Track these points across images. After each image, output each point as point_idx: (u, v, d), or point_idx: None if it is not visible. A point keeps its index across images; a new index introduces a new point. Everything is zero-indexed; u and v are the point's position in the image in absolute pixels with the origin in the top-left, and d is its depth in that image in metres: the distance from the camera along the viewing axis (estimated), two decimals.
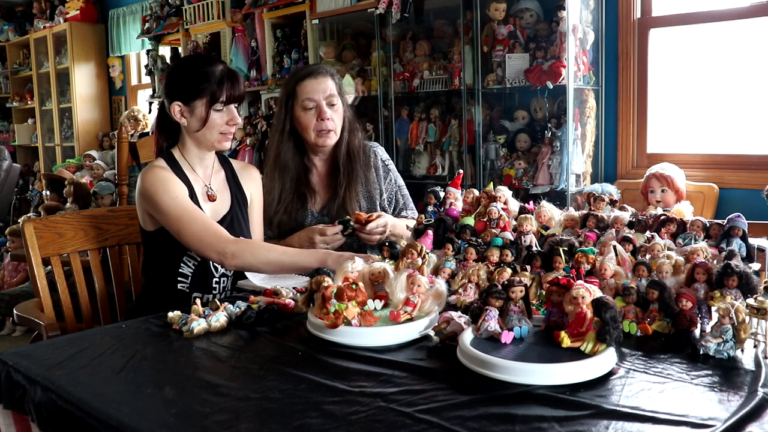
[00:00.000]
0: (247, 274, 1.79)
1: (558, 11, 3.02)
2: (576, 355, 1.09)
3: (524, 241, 1.59)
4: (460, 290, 1.47)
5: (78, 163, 6.29)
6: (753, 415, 0.92)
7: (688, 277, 1.28)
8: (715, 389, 1.01)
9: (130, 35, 6.39)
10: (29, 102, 7.66)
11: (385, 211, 2.12)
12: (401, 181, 2.24)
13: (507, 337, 1.17)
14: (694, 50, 3.13)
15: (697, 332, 1.23)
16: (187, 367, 1.19)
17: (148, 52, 5.88)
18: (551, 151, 3.14)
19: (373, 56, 3.84)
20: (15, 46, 7.90)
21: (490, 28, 3.25)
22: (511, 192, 1.78)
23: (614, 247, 1.44)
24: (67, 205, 4.47)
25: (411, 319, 1.29)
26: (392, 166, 2.23)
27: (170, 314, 1.43)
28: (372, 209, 2.10)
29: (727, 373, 1.07)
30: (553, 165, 3.12)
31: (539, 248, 1.53)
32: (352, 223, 1.92)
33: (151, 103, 5.84)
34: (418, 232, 1.72)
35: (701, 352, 1.14)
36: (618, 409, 0.95)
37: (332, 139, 2.04)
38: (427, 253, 1.55)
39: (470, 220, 1.69)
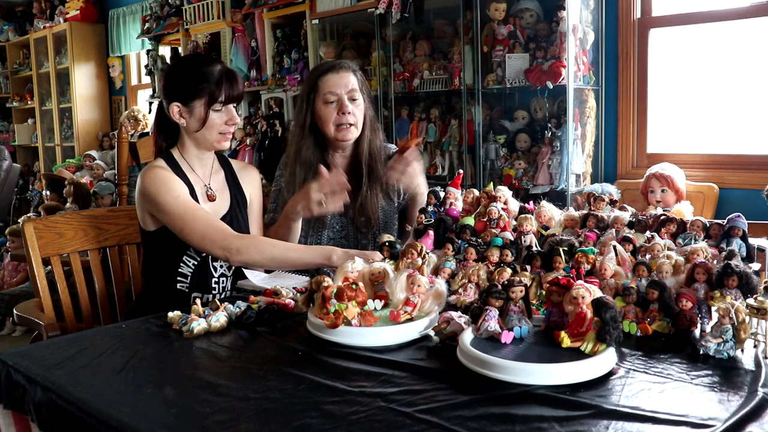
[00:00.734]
0: (247, 273, 1.79)
1: (558, 11, 3.02)
2: (576, 355, 1.09)
3: (524, 241, 1.59)
4: (460, 290, 1.47)
5: (78, 163, 6.29)
6: (753, 415, 0.92)
7: (688, 277, 1.28)
8: (715, 389, 1.01)
9: (130, 35, 6.39)
10: (29, 102, 7.66)
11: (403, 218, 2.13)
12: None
13: (507, 337, 1.17)
14: (694, 50, 3.13)
15: (697, 332, 1.23)
16: (187, 367, 1.19)
17: (148, 52, 5.88)
18: (551, 151, 3.14)
19: (373, 56, 3.84)
20: (15, 46, 7.90)
21: (490, 28, 3.25)
22: (511, 192, 1.78)
23: (614, 247, 1.44)
24: (67, 205, 4.47)
25: (411, 319, 1.29)
26: None
27: (170, 314, 1.43)
28: (390, 210, 2.10)
29: (727, 373, 1.07)
30: (553, 165, 3.12)
31: (539, 248, 1.53)
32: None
33: (151, 103, 5.84)
34: (418, 232, 1.72)
35: (701, 352, 1.14)
36: (618, 409, 0.95)
37: (353, 134, 2.03)
38: (427, 253, 1.55)
39: (470, 220, 1.69)
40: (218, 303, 1.44)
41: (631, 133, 3.19)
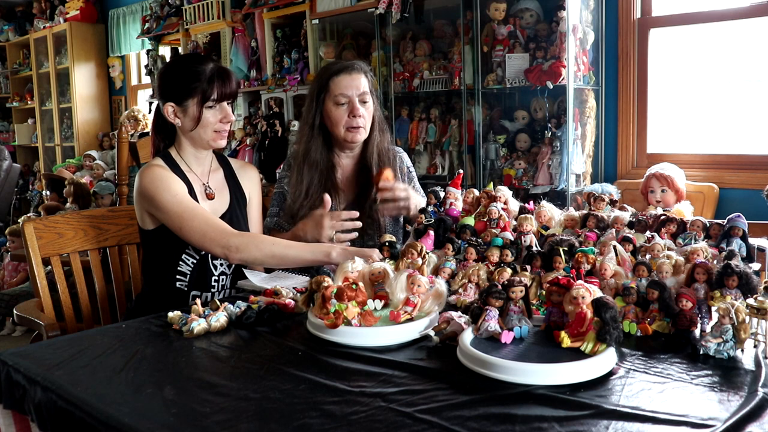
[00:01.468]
0: (247, 273, 1.79)
1: (558, 11, 3.02)
2: (576, 355, 1.09)
3: (524, 241, 1.59)
4: (460, 290, 1.47)
5: (78, 163, 6.30)
6: (753, 415, 0.92)
7: (688, 277, 1.28)
8: (715, 389, 1.01)
9: (130, 35, 6.39)
10: (29, 102, 7.66)
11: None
12: (422, 191, 2.23)
13: (507, 337, 1.17)
14: (694, 50, 3.13)
15: (697, 332, 1.23)
16: (187, 367, 1.19)
17: (148, 52, 5.88)
18: (551, 151, 3.14)
19: (373, 56, 3.84)
20: (15, 46, 7.90)
21: (490, 28, 3.25)
22: (511, 192, 1.78)
23: (614, 247, 1.44)
24: (67, 205, 4.47)
25: (411, 319, 1.29)
26: (414, 174, 2.23)
27: (170, 314, 1.43)
28: (408, 208, 2.09)
29: (727, 373, 1.07)
30: (553, 165, 3.12)
31: (539, 248, 1.53)
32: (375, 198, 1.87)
33: (151, 103, 5.84)
34: (418, 232, 1.72)
35: (701, 352, 1.14)
36: (618, 409, 0.95)
37: (362, 136, 2.03)
38: (427, 253, 1.55)
39: (470, 220, 1.69)
40: (218, 303, 1.44)
41: (631, 133, 3.19)
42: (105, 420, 0.99)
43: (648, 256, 1.42)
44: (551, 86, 3.03)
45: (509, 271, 1.42)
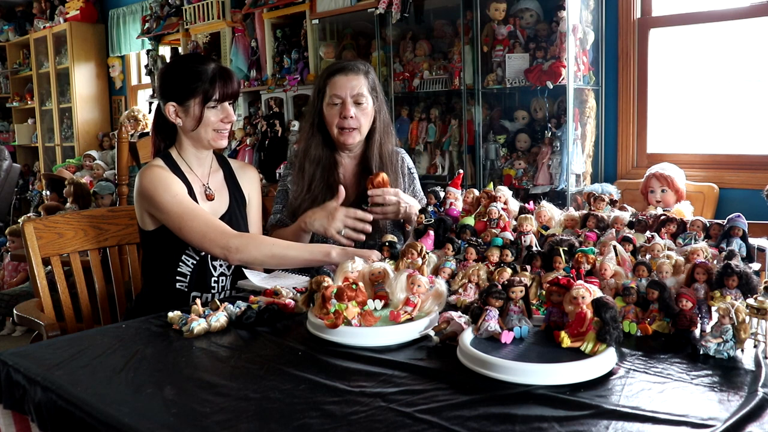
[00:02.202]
0: (247, 273, 1.79)
1: (558, 11, 3.02)
2: (576, 355, 1.09)
3: (524, 241, 1.59)
4: (460, 290, 1.47)
5: (78, 163, 6.30)
6: (753, 415, 0.92)
7: (688, 277, 1.28)
8: (715, 389, 1.01)
9: (130, 35, 6.39)
10: (29, 102, 7.66)
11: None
12: (422, 193, 2.23)
13: (507, 337, 1.17)
14: (694, 50, 3.13)
15: (697, 332, 1.23)
16: (187, 367, 1.19)
17: (148, 52, 5.88)
18: (551, 151, 3.14)
19: (373, 56, 3.84)
20: (15, 46, 7.90)
21: (490, 28, 3.25)
22: (511, 192, 1.78)
23: (614, 247, 1.44)
24: (67, 205, 4.47)
25: (411, 319, 1.29)
26: (416, 175, 2.23)
27: (170, 314, 1.43)
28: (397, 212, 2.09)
29: (727, 373, 1.07)
30: (553, 165, 3.12)
31: (539, 248, 1.53)
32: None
33: (151, 103, 5.84)
34: (418, 232, 1.72)
35: (701, 352, 1.14)
36: (618, 409, 0.95)
37: (354, 138, 2.02)
38: (427, 253, 1.55)
39: (470, 220, 1.69)
40: (218, 303, 1.44)
41: (631, 133, 3.19)
42: (105, 420, 0.99)
43: (648, 256, 1.42)
44: (551, 86, 3.03)
45: (509, 271, 1.42)
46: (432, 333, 1.25)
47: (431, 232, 1.69)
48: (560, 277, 1.22)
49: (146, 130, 5.65)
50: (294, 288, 1.60)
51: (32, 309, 1.94)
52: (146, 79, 6.31)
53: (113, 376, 1.14)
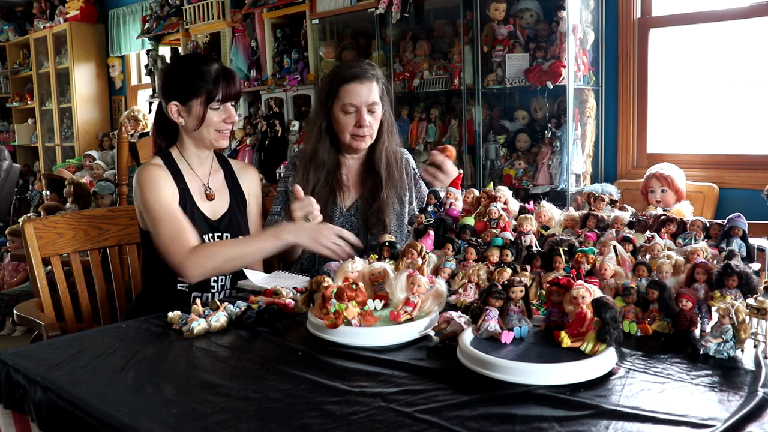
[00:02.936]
0: (247, 273, 1.79)
1: (558, 11, 3.02)
2: (576, 355, 1.09)
3: (524, 241, 1.59)
4: (460, 290, 1.47)
5: (78, 163, 6.29)
6: (753, 415, 0.92)
7: (688, 277, 1.28)
8: (715, 389, 1.01)
9: (130, 35, 6.39)
10: (29, 102, 7.66)
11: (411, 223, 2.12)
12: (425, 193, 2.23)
13: (507, 337, 1.17)
14: (694, 50, 3.13)
15: (697, 332, 1.23)
16: (187, 367, 1.19)
17: (148, 52, 5.88)
18: (551, 151, 3.14)
19: (373, 56, 3.84)
20: (15, 46, 7.90)
21: (490, 28, 3.25)
22: (511, 192, 1.78)
23: (614, 247, 1.44)
24: (67, 205, 4.47)
25: (411, 319, 1.29)
26: (420, 176, 2.23)
27: (170, 314, 1.43)
28: (402, 213, 2.09)
29: (727, 373, 1.07)
30: (553, 165, 3.12)
31: (539, 248, 1.53)
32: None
33: (151, 103, 5.84)
34: (418, 232, 1.72)
35: (701, 352, 1.14)
36: (618, 409, 0.95)
37: (366, 143, 2.03)
38: (427, 253, 1.55)
39: (470, 220, 1.69)
40: (218, 303, 1.44)
41: (631, 133, 3.19)
42: (105, 420, 0.99)
43: (648, 256, 1.42)
44: (551, 86, 3.03)
45: (509, 271, 1.42)
46: (432, 333, 1.25)
47: (431, 232, 1.69)
48: (560, 277, 1.22)
49: (146, 130, 5.65)
50: (294, 288, 1.60)
51: (32, 309, 1.94)
52: (146, 79, 6.31)
53: (113, 376, 1.14)
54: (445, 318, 1.25)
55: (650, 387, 1.03)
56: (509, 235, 1.59)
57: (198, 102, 1.78)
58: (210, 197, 1.87)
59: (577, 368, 1.05)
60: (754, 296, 1.17)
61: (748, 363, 1.11)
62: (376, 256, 1.60)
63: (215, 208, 1.87)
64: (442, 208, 1.82)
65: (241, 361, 1.21)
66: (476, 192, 1.79)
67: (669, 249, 1.43)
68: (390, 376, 1.10)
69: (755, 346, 1.16)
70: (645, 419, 0.92)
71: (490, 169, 3.37)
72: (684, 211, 1.65)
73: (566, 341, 1.12)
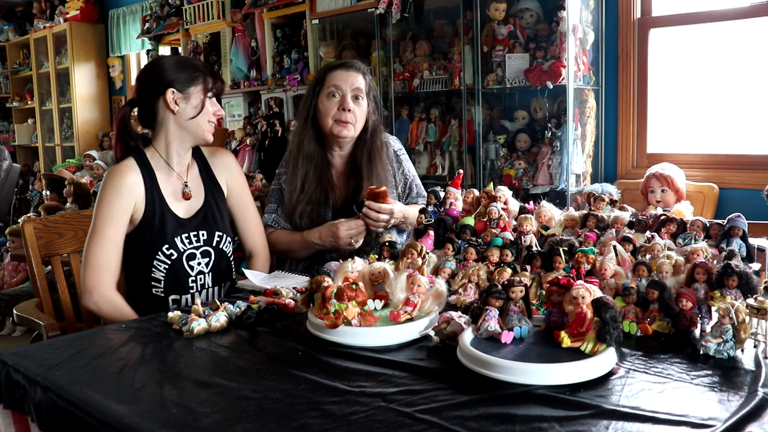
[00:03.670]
0: (247, 273, 1.79)
1: (558, 11, 3.02)
2: (576, 355, 1.09)
3: (524, 241, 1.59)
4: (460, 290, 1.47)
5: (78, 163, 6.29)
6: (753, 415, 0.92)
7: (688, 277, 1.28)
8: (715, 389, 1.01)
9: (130, 35, 6.39)
10: (29, 102, 7.66)
11: (399, 200, 2.12)
12: (413, 171, 2.24)
13: (507, 337, 1.17)
14: (694, 50, 3.13)
15: (697, 332, 1.23)
16: (187, 367, 1.19)
17: (148, 52, 5.89)
18: (551, 151, 3.14)
19: (373, 56, 3.84)
20: (15, 46, 7.90)
21: (490, 28, 3.25)
22: (511, 192, 1.78)
23: (614, 247, 1.44)
24: (67, 205, 4.47)
25: (411, 319, 1.29)
26: (404, 155, 2.23)
27: (170, 314, 1.43)
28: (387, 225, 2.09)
29: (727, 373, 1.07)
30: (553, 165, 3.12)
31: (539, 248, 1.54)
32: (362, 200, 1.95)
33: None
34: (418, 232, 1.72)
35: (701, 352, 1.14)
36: (618, 409, 0.95)
37: (349, 131, 2.02)
38: (427, 253, 1.55)
39: (470, 220, 1.69)
40: (218, 303, 1.45)
41: (631, 133, 3.19)
42: (105, 420, 0.99)
43: (648, 256, 1.42)
44: (551, 86, 3.03)
45: (509, 271, 1.42)
46: (432, 333, 1.25)
47: (431, 232, 1.69)
48: (560, 277, 1.22)
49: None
50: (294, 288, 1.60)
51: (32, 309, 1.94)
52: None
53: (113, 376, 1.15)
54: (445, 318, 1.25)
55: (650, 387, 1.03)
56: (509, 235, 1.60)
57: (197, 90, 1.78)
58: (186, 197, 1.82)
59: (577, 368, 1.05)
60: (754, 296, 1.17)
61: (748, 363, 1.11)
62: (376, 256, 1.60)
63: (190, 207, 1.83)
64: (442, 208, 1.82)
65: (241, 361, 1.21)
66: (476, 192, 1.79)
67: (669, 249, 1.43)
68: (390, 376, 1.10)
69: (755, 346, 1.16)
70: (645, 419, 0.92)
71: (490, 169, 3.37)
72: (684, 211, 1.65)
73: (566, 341, 1.12)
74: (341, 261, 1.48)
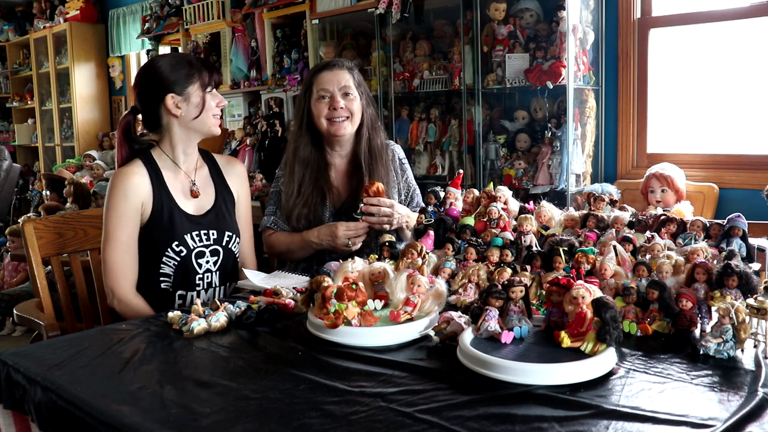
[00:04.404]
0: (247, 273, 1.80)
1: (558, 11, 3.02)
2: (576, 355, 1.09)
3: (524, 241, 1.59)
4: (460, 290, 1.47)
5: (78, 163, 6.29)
6: (753, 415, 0.92)
7: (688, 277, 1.28)
8: (715, 389, 1.01)
9: (130, 35, 6.39)
10: (29, 102, 7.66)
11: None
12: (415, 183, 2.24)
13: (507, 337, 1.17)
14: (694, 50, 3.13)
15: (697, 332, 1.23)
16: (187, 367, 1.19)
17: (148, 52, 5.88)
18: (551, 151, 3.14)
19: (373, 56, 3.84)
20: (15, 46, 7.89)
21: (490, 28, 3.25)
22: (511, 192, 1.78)
23: (614, 247, 1.44)
24: (67, 205, 4.46)
25: (411, 319, 1.29)
26: (407, 165, 2.24)
27: (170, 314, 1.43)
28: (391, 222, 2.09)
29: (727, 373, 1.07)
30: (553, 165, 3.12)
31: (539, 248, 1.54)
32: (361, 202, 1.95)
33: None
34: (418, 232, 1.73)
35: (701, 352, 1.14)
36: (618, 409, 0.95)
37: (345, 128, 2.03)
38: (427, 253, 1.55)
39: (470, 220, 1.69)
40: (218, 303, 1.45)
41: (631, 133, 3.19)
42: (105, 420, 0.99)
43: (648, 256, 1.42)
44: (551, 86, 3.03)
45: (509, 271, 1.42)
46: (432, 333, 1.25)
47: (431, 232, 1.69)
48: (560, 277, 1.22)
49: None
50: (294, 288, 1.60)
51: (32, 309, 1.94)
52: None
53: (113, 376, 1.15)
54: (445, 318, 1.25)
55: (650, 387, 1.03)
56: (509, 235, 1.60)
57: (195, 88, 1.78)
58: (194, 194, 1.84)
59: (577, 368, 1.05)
60: (754, 296, 1.18)
61: (748, 363, 1.11)
62: (376, 256, 1.60)
63: (201, 205, 1.85)
64: (442, 208, 1.82)
65: (241, 361, 1.21)
66: (476, 192, 1.79)
67: (669, 249, 1.43)
68: (390, 376, 1.10)
69: (755, 346, 1.16)
70: (645, 419, 0.92)
71: (490, 169, 3.37)
72: (684, 211, 1.65)
73: (566, 341, 1.12)
74: (341, 261, 1.48)
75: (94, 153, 6.15)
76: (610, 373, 1.08)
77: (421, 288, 1.33)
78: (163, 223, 1.78)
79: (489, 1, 3.21)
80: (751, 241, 1.47)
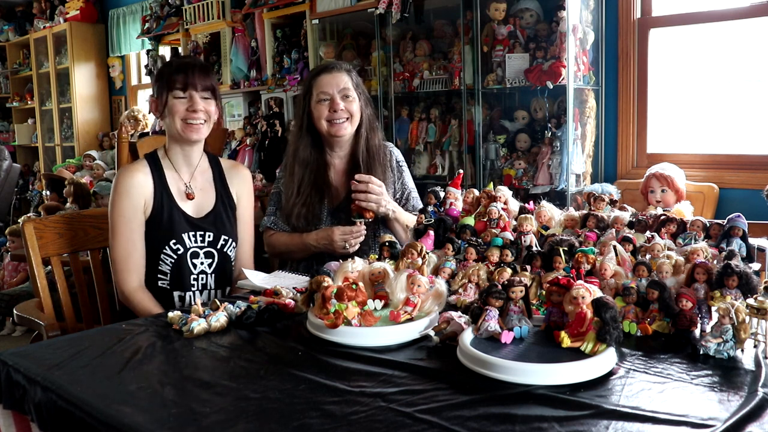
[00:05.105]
0: (247, 273, 1.80)
1: (558, 11, 3.02)
2: (576, 355, 1.09)
3: (524, 241, 1.59)
4: (460, 290, 1.47)
5: (78, 163, 6.29)
6: (753, 415, 0.92)
7: (688, 277, 1.28)
8: (715, 389, 1.01)
9: (130, 35, 6.39)
10: (29, 102, 7.66)
11: None
12: (412, 184, 2.25)
13: (507, 337, 1.17)
14: (694, 50, 3.13)
15: (697, 332, 1.23)
16: (187, 367, 1.19)
17: (148, 52, 5.88)
18: (551, 151, 3.14)
19: (373, 56, 3.84)
20: (15, 46, 7.89)
21: (490, 28, 3.25)
22: (511, 192, 1.78)
23: (614, 247, 1.44)
24: (67, 205, 4.46)
25: (411, 319, 1.29)
26: (405, 167, 2.25)
27: (170, 314, 1.43)
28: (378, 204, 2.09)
29: (727, 373, 1.07)
30: (553, 165, 3.12)
31: (539, 248, 1.54)
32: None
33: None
34: (418, 232, 1.72)
35: (701, 352, 1.14)
36: (618, 409, 0.95)
37: (346, 129, 2.06)
38: (427, 253, 1.55)
39: (470, 220, 1.69)
40: (218, 303, 1.45)
41: (631, 133, 3.19)
42: (105, 420, 0.99)
43: (648, 256, 1.42)
44: (551, 86, 3.03)
45: (509, 271, 1.42)
46: (432, 333, 1.25)
47: (431, 232, 1.69)
48: (560, 277, 1.22)
49: (146, 130, 5.64)
50: (294, 288, 1.60)
51: (32, 309, 1.94)
52: (146, 79, 6.31)
53: (113, 376, 1.15)
54: (445, 318, 1.25)
55: (650, 387, 1.03)
56: (509, 235, 1.60)
57: (164, 91, 1.82)
58: (189, 197, 1.87)
59: (577, 368, 1.05)
60: (754, 296, 1.17)
61: (748, 363, 1.11)
62: (376, 256, 1.60)
63: (199, 206, 1.88)
64: (442, 208, 1.82)
65: (241, 361, 1.21)
66: (476, 192, 1.79)
67: (669, 249, 1.43)
68: (390, 376, 1.10)
69: (755, 346, 1.16)
70: (645, 419, 0.92)
71: (490, 169, 3.37)
72: (684, 211, 1.65)
73: (566, 341, 1.12)
74: (341, 261, 1.48)
75: (94, 153, 6.15)
76: (610, 373, 1.08)
77: (421, 288, 1.33)
78: (163, 222, 1.81)
79: (489, 1, 3.21)
80: (751, 241, 1.47)
